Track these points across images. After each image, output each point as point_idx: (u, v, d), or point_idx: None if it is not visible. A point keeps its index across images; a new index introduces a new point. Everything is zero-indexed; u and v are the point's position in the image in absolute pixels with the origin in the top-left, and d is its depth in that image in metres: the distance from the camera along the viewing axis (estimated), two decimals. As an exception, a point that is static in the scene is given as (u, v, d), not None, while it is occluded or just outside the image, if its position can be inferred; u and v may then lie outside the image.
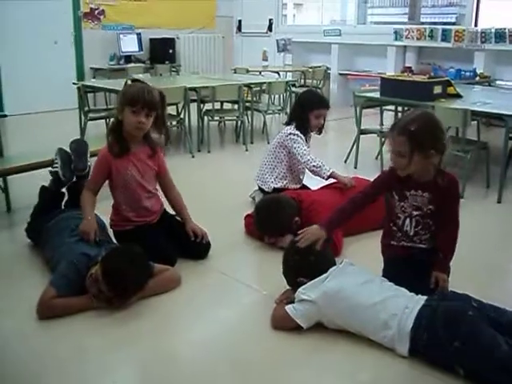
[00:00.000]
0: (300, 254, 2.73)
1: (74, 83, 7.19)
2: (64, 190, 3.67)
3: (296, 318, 2.53)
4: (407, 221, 2.76)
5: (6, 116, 4.32)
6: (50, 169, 3.64)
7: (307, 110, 4.17)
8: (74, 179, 3.65)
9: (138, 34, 9.85)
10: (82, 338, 2.57)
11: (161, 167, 3.37)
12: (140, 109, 3.08)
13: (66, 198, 3.66)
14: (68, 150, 3.69)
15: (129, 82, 3.26)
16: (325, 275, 2.60)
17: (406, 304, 2.43)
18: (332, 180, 3.99)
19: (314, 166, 4.02)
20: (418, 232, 2.77)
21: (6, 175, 4.16)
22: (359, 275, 2.64)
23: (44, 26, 8.88)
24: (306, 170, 4.19)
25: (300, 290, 2.57)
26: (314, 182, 4.21)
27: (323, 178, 4.02)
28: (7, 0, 8.45)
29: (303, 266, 2.70)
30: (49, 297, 2.70)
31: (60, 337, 2.57)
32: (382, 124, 5.96)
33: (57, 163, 3.59)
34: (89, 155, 3.67)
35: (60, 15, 9.16)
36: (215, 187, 4.95)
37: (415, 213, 2.73)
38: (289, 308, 2.56)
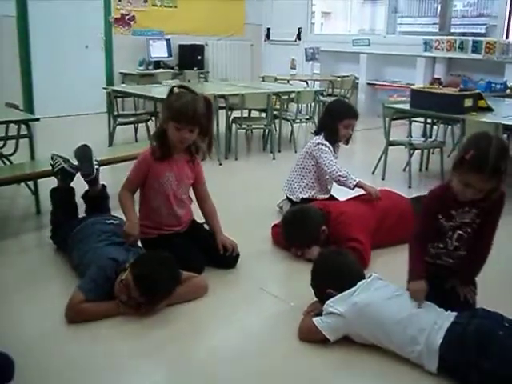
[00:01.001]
0: (329, 266, 2.73)
1: (104, 88, 7.26)
2: (77, 195, 3.68)
3: (323, 330, 2.51)
4: (453, 235, 2.69)
5: (38, 120, 4.35)
6: (53, 171, 3.62)
7: (336, 120, 4.16)
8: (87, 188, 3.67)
9: (168, 40, 9.92)
10: (109, 343, 2.58)
11: (198, 176, 3.39)
12: (184, 125, 3.09)
13: (75, 201, 3.67)
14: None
15: (175, 90, 3.21)
16: (353, 289, 2.58)
17: (435, 319, 2.40)
18: (360, 191, 3.96)
19: (339, 175, 4.01)
20: (457, 247, 2.71)
21: (37, 179, 4.21)
22: (387, 289, 2.61)
23: (76, 30, 9.02)
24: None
25: (328, 302, 2.55)
26: (342, 193, 4.18)
27: (349, 188, 4.00)
28: (40, 4, 8.57)
29: (332, 278, 2.68)
30: (77, 301, 2.72)
31: (88, 341, 2.59)
32: (410, 136, 5.92)
33: (57, 161, 3.58)
34: (95, 159, 3.66)
35: (91, 20, 9.30)
36: (242, 195, 4.95)
37: (463, 228, 2.66)
38: (316, 320, 2.54)
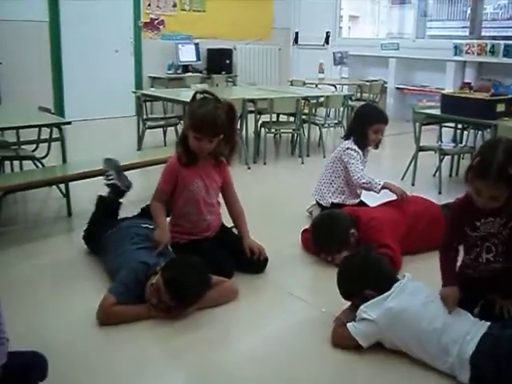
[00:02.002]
0: (358, 265, 2.72)
1: (133, 92, 7.32)
2: (122, 200, 3.73)
3: (356, 336, 2.50)
4: (482, 247, 2.63)
5: (70, 123, 4.40)
6: (105, 182, 3.68)
7: (366, 125, 4.13)
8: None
9: (196, 44, 9.96)
10: (139, 346, 2.60)
11: (226, 180, 3.39)
12: (203, 136, 3.10)
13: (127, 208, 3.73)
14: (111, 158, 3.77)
15: (198, 96, 3.22)
16: (388, 293, 2.54)
17: (468, 330, 2.36)
18: (391, 197, 3.93)
19: (363, 182, 4.01)
20: (489, 260, 2.64)
21: (69, 181, 4.26)
22: (421, 294, 2.57)
23: (106, 35, 9.12)
24: None
25: (361, 308, 2.53)
26: (372, 199, 4.15)
27: (376, 192, 3.98)
28: (71, 10, 8.69)
29: (362, 277, 2.64)
30: (108, 304, 2.74)
31: (119, 343, 2.62)
32: (440, 141, 5.86)
33: (111, 175, 3.63)
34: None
35: (121, 25, 9.40)
36: (271, 199, 4.95)
37: (490, 239, 2.60)
38: (349, 326, 2.53)
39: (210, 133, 3.09)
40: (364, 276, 2.65)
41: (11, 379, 2.00)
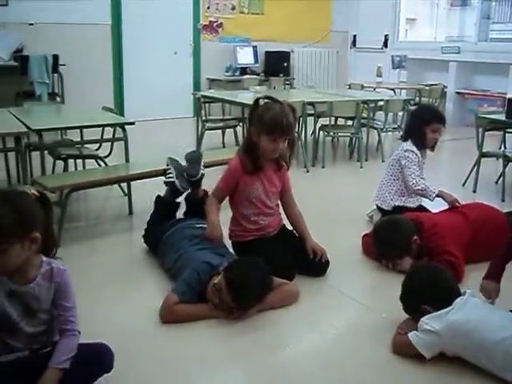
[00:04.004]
0: (424, 281, 2.64)
1: (193, 93, 7.41)
2: (180, 199, 3.77)
3: (418, 346, 2.45)
4: None
5: (133, 123, 4.49)
6: (164, 179, 3.74)
7: (424, 124, 4.08)
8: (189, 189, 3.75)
9: (254, 47, 10.02)
10: (199, 345, 2.62)
11: (285, 184, 3.41)
12: (278, 137, 3.11)
13: (183, 208, 3.76)
14: (175, 158, 3.80)
15: (260, 102, 3.23)
16: (449, 308, 2.48)
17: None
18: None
19: (418, 189, 3.97)
20: None
21: (131, 180, 4.34)
22: (483, 306, 2.53)
23: (165, 37, 9.26)
24: None
25: (423, 319, 2.47)
26: (433, 205, 4.08)
27: (430, 199, 3.96)
28: (133, 13, 8.88)
29: (427, 294, 2.58)
30: (172, 302, 2.77)
31: (179, 341, 2.64)
32: (504, 147, 5.71)
33: (171, 173, 3.68)
34: (202, 164, 3.75)
35: (181, 27, 9.53)
36: (330, 203, 4.92)
37: None
38: (411, 335, 2.48)
39: (284, 132, 3.11)
40: (426, 293, 2.59)
41: (79, 369, 2.05)
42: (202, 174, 3.71)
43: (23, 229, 1.89)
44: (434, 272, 2.71)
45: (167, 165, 3.75)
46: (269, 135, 3.10)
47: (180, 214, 3.75)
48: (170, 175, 3.68)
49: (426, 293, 2.59)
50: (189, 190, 3.73)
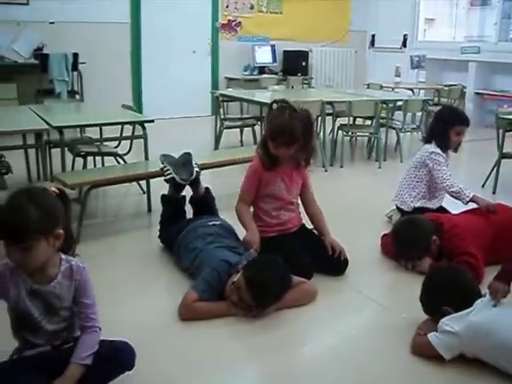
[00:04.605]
0: (445, 282, 2.63)
1: (211, 92, 7.41)
2: (182, 194, 3.75)
3: (437, 347, 2.43)
4: None
5: (153, 121, 4.51)
6: (164, 178, 3.71)
7: (448, 127, 4.05)
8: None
9: (273, 46, 10.02)
10: (217, 342, 2.63)
11: (304, 180, 3.44)
12: (279, 145, 3.17)
13: (185, 208, 3.76)
14: (168, 153, 3.79)
15: (274, 106, 3.28)
16: (470, 309, 2.46)
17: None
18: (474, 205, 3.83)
19: (453, 191, 3.92)
20: None
21: (150, 178, 4.36)
22: (504, 309, 2.50)
23: (184, 36, 9.28)
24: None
25: (443, 320, 2.46)
26: (454, 206, 4.05)
27: (463, 202, 3.89)
28: (152, 12, 8.92)
29: (448, 295, 2.57)
30: (191, 299, 2.79)
31: (198, 338, 2.65)
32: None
33: (168, 169, 3.67)
34: (194, 162, 3.72)
35: (199, 26, 9.55)
36: (349, 203, 4.90)
37: None
38: (431, 336, 2.46)
39: (286, 142, 3.17)
40: (447, 294, 2.58)
41: (101, 366, 2.06)
42: (197, 172, 3.69)
43: (48, 225, 1.91)
44: (455, 273, 2.70)
45: (162, 163, 3.73)
46: (272, 142, 3.19)
47: (189, 214, 3.76)
48: (168, 171, 3.67)
49: (447, 293, 2.57)
50: (193, 177, 3.64)
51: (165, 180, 3.71)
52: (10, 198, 1.89)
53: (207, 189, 3.79)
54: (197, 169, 3.69)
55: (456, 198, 3.94)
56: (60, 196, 2.03)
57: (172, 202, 3.71)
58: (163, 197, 3.75)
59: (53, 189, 2.04)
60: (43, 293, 2.01)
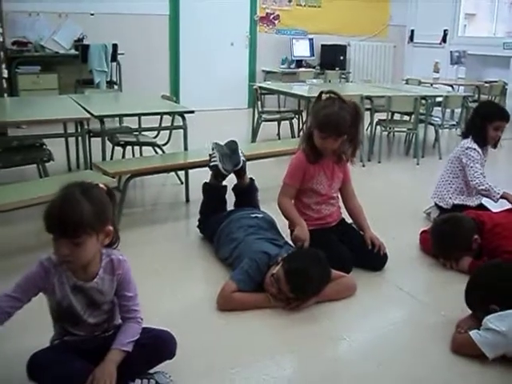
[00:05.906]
0: (493, 278, 2.58)
1: (250, 84, 7.41)
2: (224, 182, 3.75)
3: (481, 345, 2.37)
4: None
5: (193, 112, 4.53)
6: (208, 164, 3.72)
7: (486, 121, 3.99)
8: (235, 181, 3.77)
9: (310, 40, 9.97)
10: (254, 333, 2.64)
11: (345, 175, 3.42)
12: (327, 136, 3.14)
13: (226, 198, 3.75)
14: (220, 143, 3.79)
15: (323, 96, 3.25)
16: None
17: None
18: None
19: (482, 189, 3.87)
20: None
21: (189, 169, 4.38)
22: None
23: (222, 28, 9.30)
24: None
25: (489, 318, 2.41)
26: (494, 204, 3.98)
27: (494, 200, 3.86)
28: (191, 4, 8.96)
29: (494, 291, 2.52)
30: (230, 290, 2.79)
31: (236, 329, 2.66)
32: None
33: (215, 157, 3.67)
34: (240, 151, 3.74)
35: (238, 19, 9.56)
36: (387, 199, 4.86)
37: None
38: (473, 334, 2.42)
39: (334, 133, 3.14)
40: (495, 291, 2.53)
41: (142, 353, 2.08)
42: (244, 161, 3.71)
43: (101, 221, 1.91)
44: (505, 270, 2.65)
45: (212, 149, 3.74)
46: (320, 132, 3.15)
47: (230, 205, 3.76)
48: (214, 159, 3.68)
49: (494, 291, 2.53)
50: (239, 167, 3.69)
51: (208, 166, 3.72)
52: (63, 191, 1.88)
53: (252, 179, 3.79)
54: (243, 158, 3.71)
55: (486, 196, 3.91)
56: (107, 193, 2.03)
57: (213, 191, 3.72)
58: (205, 185, 3.76)
59: (101, 185, 2.04)
60: (86, 289, 2.02)
